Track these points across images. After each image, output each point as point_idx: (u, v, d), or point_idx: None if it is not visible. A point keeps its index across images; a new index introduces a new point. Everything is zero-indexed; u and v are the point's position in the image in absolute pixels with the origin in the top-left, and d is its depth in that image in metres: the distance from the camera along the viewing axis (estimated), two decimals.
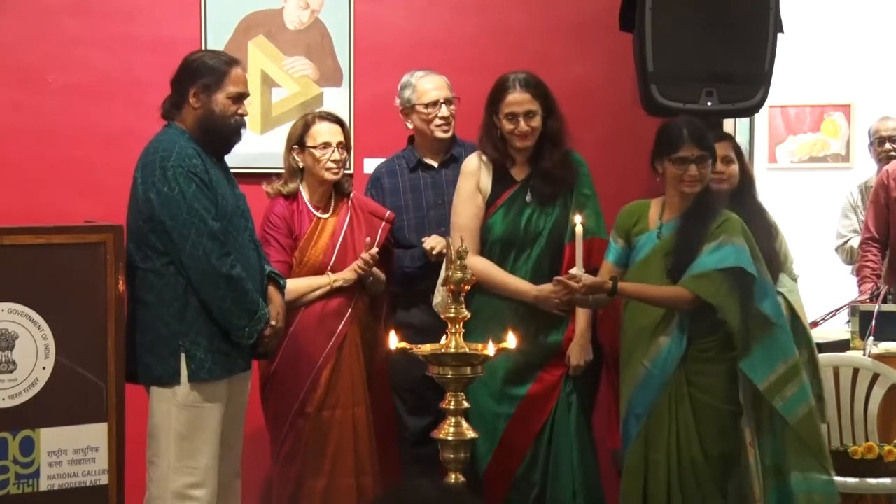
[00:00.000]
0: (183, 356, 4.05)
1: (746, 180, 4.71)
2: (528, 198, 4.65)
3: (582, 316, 4.63)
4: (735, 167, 4.64)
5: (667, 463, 4.22)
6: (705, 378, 4.25)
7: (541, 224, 4.64)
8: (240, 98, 4.17)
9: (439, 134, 4.95)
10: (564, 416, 4.63)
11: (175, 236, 4.01)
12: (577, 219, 4.20)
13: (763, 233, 4.51)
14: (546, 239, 4.65)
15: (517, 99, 4.59)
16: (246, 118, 4.26)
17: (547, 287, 4.53)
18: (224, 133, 4.17)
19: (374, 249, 4.65)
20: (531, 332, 4.61)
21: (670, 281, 4.24)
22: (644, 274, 4.27)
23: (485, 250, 4.68)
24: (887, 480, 4.66)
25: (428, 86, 4.94)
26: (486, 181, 4.70)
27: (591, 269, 4.54)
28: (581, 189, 4.68)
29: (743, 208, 4.48)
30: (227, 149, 4.24)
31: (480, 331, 4.53)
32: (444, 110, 4.92)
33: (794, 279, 4.65)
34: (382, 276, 4.78)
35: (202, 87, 4.12)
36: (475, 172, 4.71)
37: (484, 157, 4.72)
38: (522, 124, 4.59)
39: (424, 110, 4.93)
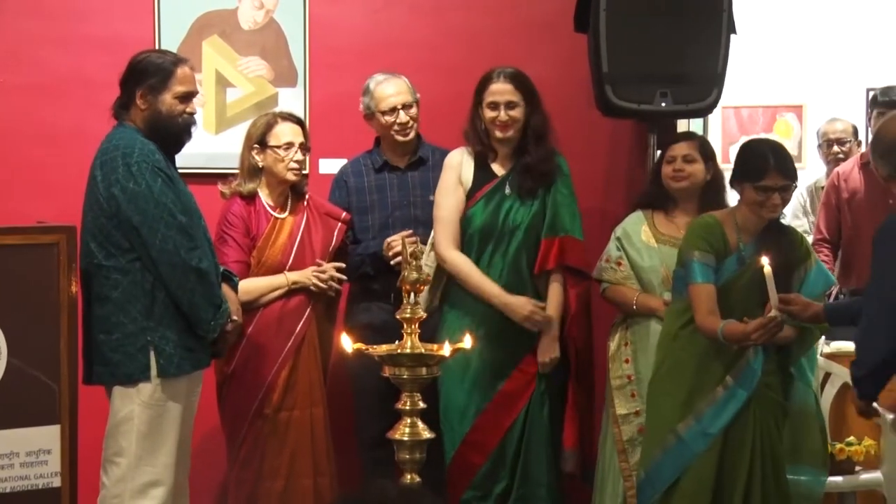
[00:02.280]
0: (152, 351, 4.05)
1: (718, 180, 4.76)
2: (508, 190, 4.69)
3: (552, 311, 4.67)
4: (698, 166, 4.69)
5: (748, 465, 4.22)
6: (773, 377, 4.28)
7: (518, 218, 4.69)
8: (187, 97, 4.17)
9: (399, 138, 4.94)
10: (538, 412, 4.67)
11: (144, 231, 4.00)
12: (765, 260, 3.98)
13: None
14: (523, 233, 4.69)
15: (499, 89, 4.67)
16: (195, 116, 4.25)
17: (519, 300, 4.62)
18: (173, 132, 4.16)
19: (330, 266, 4.69)
20: (507, 326, 4.67)
21: (758, 308, 4.11)
22: (726, 299, 4.18)
23: (464, 242, 4.72)
24: (839, 479, 4.69)
25: (385, 92, 4.92)
26: (468, 174, 4.75)
27: (564, 266, 4.68)
28: (559, 188, 4.73)
29: (712, 207, 4.55)
30: (178, 148, 4.24)
31: (457, 324, 4.63)
32: (402, 116, 4.90)
33: None
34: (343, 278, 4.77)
35: (148, 88, 4.12)
36: (457, 166, 4.76)
37: (467, 151, 4.76)
38: (503, 113, 4.65)
39: (383, 117, 4.92)
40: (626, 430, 4.66)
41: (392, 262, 4.79)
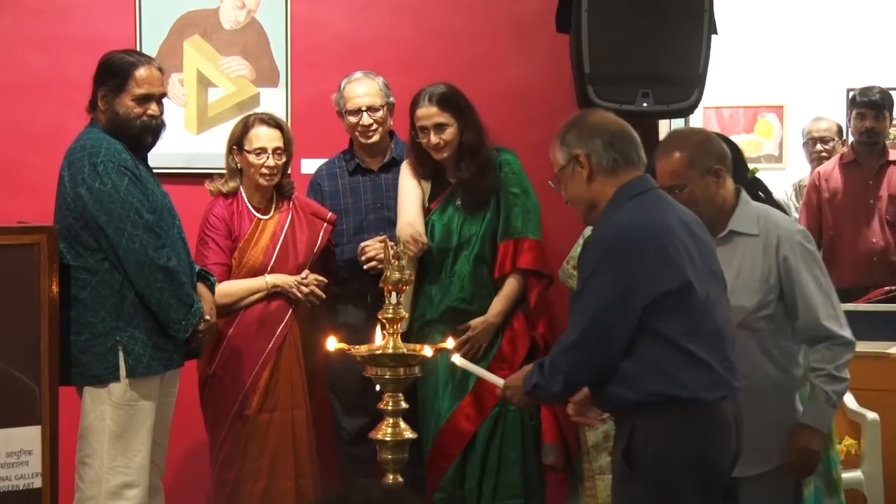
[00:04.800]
0: (121, 351, 4.04)
1: None
2: (459, 202, 4.70)
3: (498, 303, 4.69)
4: None
5: None
6: None
7: (473, 229, 4.70)
8: (146, 99, 4.13)
9: (362, 140, 4.94)
10: (511, 412, 4.66)
11: (110, 231, 4.00)
12: (455, 357, 4.00)
13: None
14: (479, 242, 4.71)
15: (424, 113, 4.66)
16: (166, 116, 4.22)
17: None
18: (131, 135, 4.13)
19: (313, 279, 4.70)
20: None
21: None
22: None
23: (425, 252, 4.73)
24: None
25: (353, 92, 4.91)
26: (425, 182, 4.77)
27: (517, 269, 4.66)
28: (509, 188, 4.71)
29: None
30: (143, 149, 4.21)
31: (427, 329, 4.68)
32: (365, 119, 4.89)
33: None
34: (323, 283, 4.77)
35: (108, 90, 4.12)
36: (413, 174, 4.78)
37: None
38: (432, 137, 4.65)
39: (347, 117, 4.93)
40: (592, 436, 4.66)
41: (365, 267, 4.81)
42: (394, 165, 5.00)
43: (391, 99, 4.96)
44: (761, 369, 3.65)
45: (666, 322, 3.18)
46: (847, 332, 3.71)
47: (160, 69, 4.21)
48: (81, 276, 4.06)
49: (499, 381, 3.72)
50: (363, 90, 4.90)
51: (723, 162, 3.74)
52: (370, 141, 4.93)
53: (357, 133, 4.93)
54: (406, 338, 4.11)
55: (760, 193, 4.35)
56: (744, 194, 3.82)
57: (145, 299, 4.06)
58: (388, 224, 4.89)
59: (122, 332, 4.06)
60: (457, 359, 3.96)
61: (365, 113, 4.88)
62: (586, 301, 3.24)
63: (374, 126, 4.90)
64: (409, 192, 4.77)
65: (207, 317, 4.25)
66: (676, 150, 3.72)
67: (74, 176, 4.05)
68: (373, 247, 4.81)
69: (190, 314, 4.13)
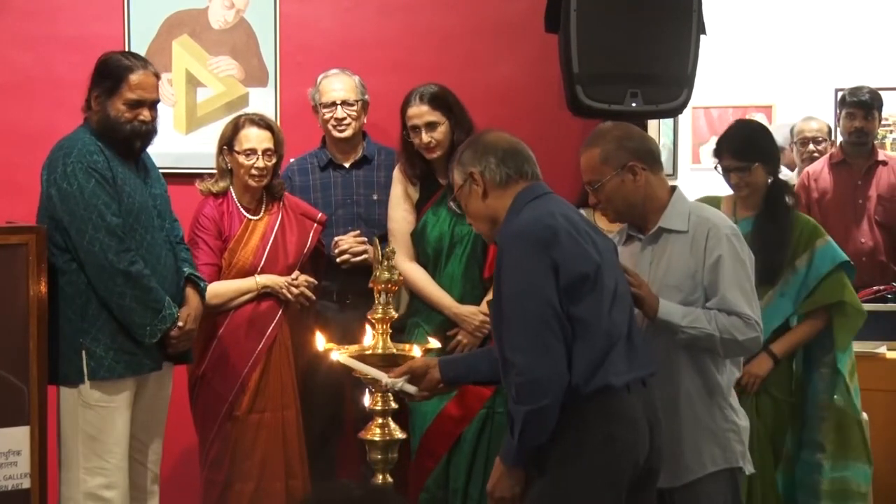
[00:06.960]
0: (84, 353, 4.04)
1: None
2: (451, 203, 4.71)
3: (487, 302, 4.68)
4: None
5: None
6: (776, 374, 4.41)
7: (465, 229, 4.69)
8: (138, 104, 4.11)
9: (335, 134, 4.98)
10: (499, 413, 4.66)
11: (73, 232, 4.02)
12: (336, 354, 3.81)
13: None
14: (472, 242, 4.70)
15: (415, 112, 4.67)
16: (154, 122, 4.19)
17: (468, 308, 4.66)
18: (120, 138, 4.13)
19: (303, 280, 4.69)
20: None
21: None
22: None
23: (420, 253, 4.75)
24: None
25: (329, 86, 4.96)
26: (413, 188, 4.78)
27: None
28: None
29: None
30: (132, 152, 4.19)
31: (417, 331, 4.68)
32: (339, 112, 4.93)
33: None
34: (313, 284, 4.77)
35: (101, 92, 4.11)
36: (403, 179, 4.79)
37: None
38: (424, 136, 4.66)
39: (321, 110, 4.97)
40: None
41: (338, 261, 4.84)
42: (365, 163, 5.04)
43: (366, 97, 5.01)
44: (688, 375, 3.57)
45: (579, 306, 3.18)
46: (758, 326, 3.57)
47: (156, 74, 4.21)
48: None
49: (383, 376, 3.66)
50: (339, 85, 4.95)
51: (642, 158, 3.61)
52: (342, 135, 4.96)
53: (330, 126, 4.97)
54: (397, 337, 4.11)
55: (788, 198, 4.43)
56: (678, 191, 3.70)
57: (106, 302, 4.05)
58: (356, 219, 4.94)
59: (86, 335, 4.05)
60: (336, 355, 3.81)
61: (339, 106, 4.93)
62: (522, 299, 3.19)
63: (348, 120, 4.94)
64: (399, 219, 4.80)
65: (181, 323, 4.20)
66: (593, 145, 3.66)
67: (49, 176, 4.08)
68: (346, 241, 4.83)
69: (157, 320, 4.09)
